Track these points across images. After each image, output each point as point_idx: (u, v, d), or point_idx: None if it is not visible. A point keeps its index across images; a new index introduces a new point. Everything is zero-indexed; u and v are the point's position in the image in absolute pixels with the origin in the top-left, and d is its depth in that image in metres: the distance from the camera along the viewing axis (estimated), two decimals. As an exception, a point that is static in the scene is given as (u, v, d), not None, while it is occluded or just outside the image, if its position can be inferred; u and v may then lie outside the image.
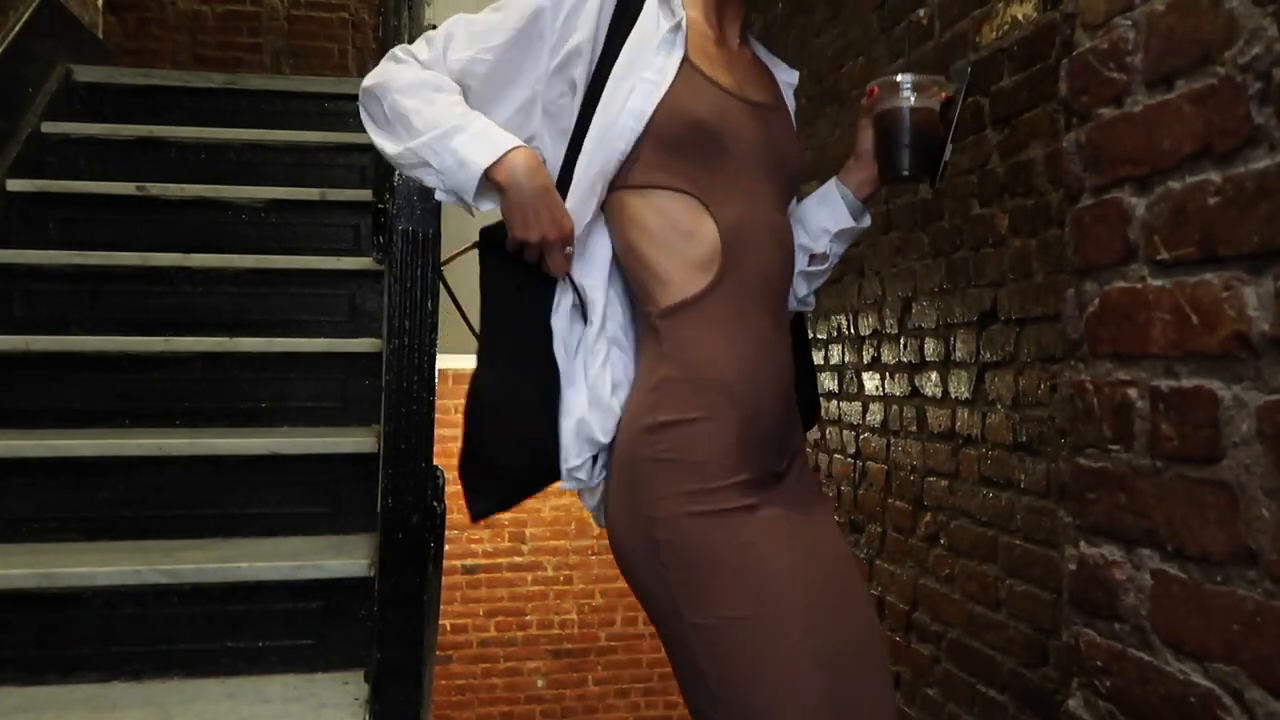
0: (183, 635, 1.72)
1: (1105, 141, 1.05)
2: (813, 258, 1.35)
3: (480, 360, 1.25)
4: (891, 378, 2.84)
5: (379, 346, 2.10)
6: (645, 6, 1.20)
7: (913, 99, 1.27)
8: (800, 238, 1.33)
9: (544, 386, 1.22)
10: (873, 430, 2.97)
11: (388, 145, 1.21)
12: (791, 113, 1.34)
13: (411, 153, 1.17)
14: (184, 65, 4.46)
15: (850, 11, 3.09)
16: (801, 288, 1.37)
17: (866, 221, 1.36)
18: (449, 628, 5.88)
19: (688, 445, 1.14)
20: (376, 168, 2.28)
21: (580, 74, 1.18)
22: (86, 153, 2.79)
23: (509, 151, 1.14)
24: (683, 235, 1.17)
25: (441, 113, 1.16)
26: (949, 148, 1.28)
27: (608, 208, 1.21)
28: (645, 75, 1.16)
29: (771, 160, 1.23)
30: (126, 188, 2.56)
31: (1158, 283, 0.96)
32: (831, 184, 1.36)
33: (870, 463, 2.99)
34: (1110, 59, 1.04)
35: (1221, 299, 0.88)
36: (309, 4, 4.71)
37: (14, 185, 2.50)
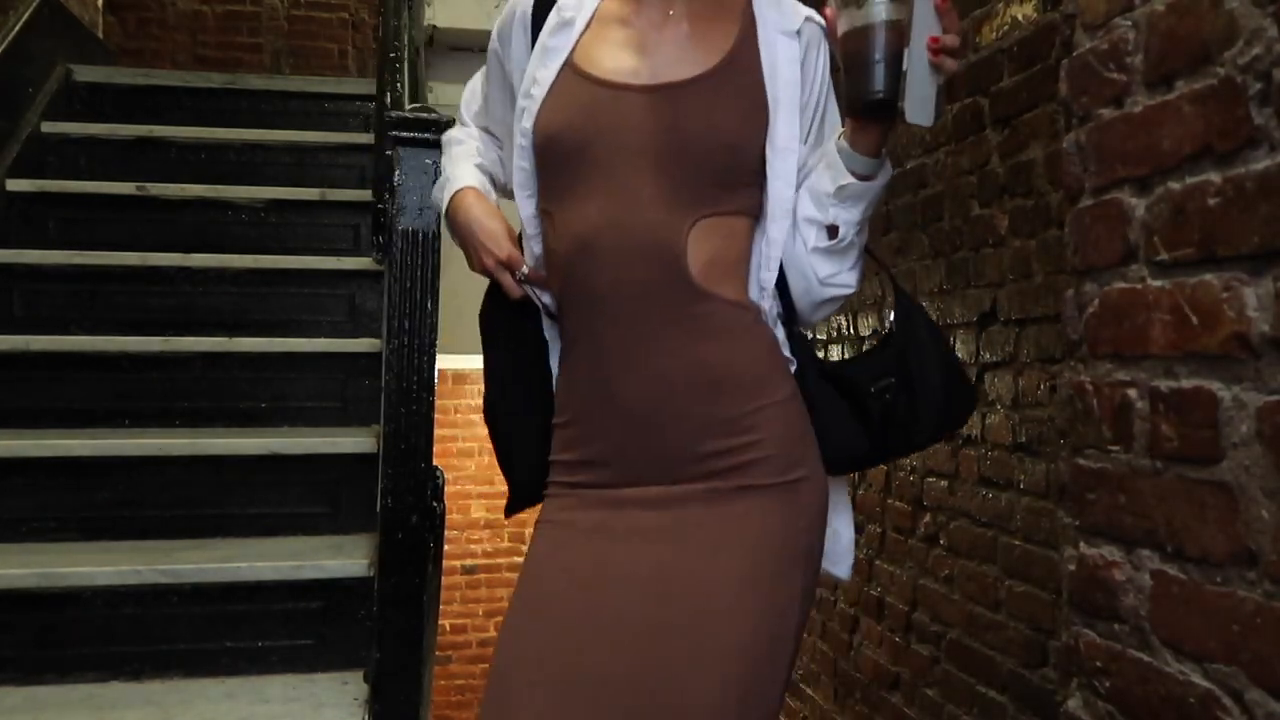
0: (182, 635, 1.72)
1: (1105, 142, 1.05)
2: (826, 230, 1.16)
3: (485, 384, 1.31)
4: (891, 378, 2.83)
5: (379, 347, 2.10)
6: (553, 8, 1.21)
7: (885, 11, 1.05)
8: (806, 209, 1.16)
9: (542, 400, 1.23)
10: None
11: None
12: (767, 70, 1.16)
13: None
14: (184, 65, 4.46)
15: (850, 12, 3.09)
16: (823, 267, 1.17)
17: (879, 179, 1.14)
18: (448, 628, 5.88)
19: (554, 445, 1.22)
20: (376, 168, 2.28)
21: (516, 87, 1.24)
22: (86, 153, 2.79)
23: (454, 194, 1.23)
24: (548, 254, 1.20)
25: (444, 164, 1.32)
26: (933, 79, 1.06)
27: None
28: (531, 91, 1.17)
29: (663, 148, 1.11)
30: (126, 188, 2.57)
31: (1157, 283, 0.96)
32: (832, 141, 1.17)
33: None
34: (1110, 59, 1.04)
35: (1221, 299, 0.88)
36: (309, 4, 4.71)
37: (14, 185, 2.50)
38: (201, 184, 2.63)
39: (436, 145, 1.69)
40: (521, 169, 1.19)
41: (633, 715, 1.05)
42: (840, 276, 1.19)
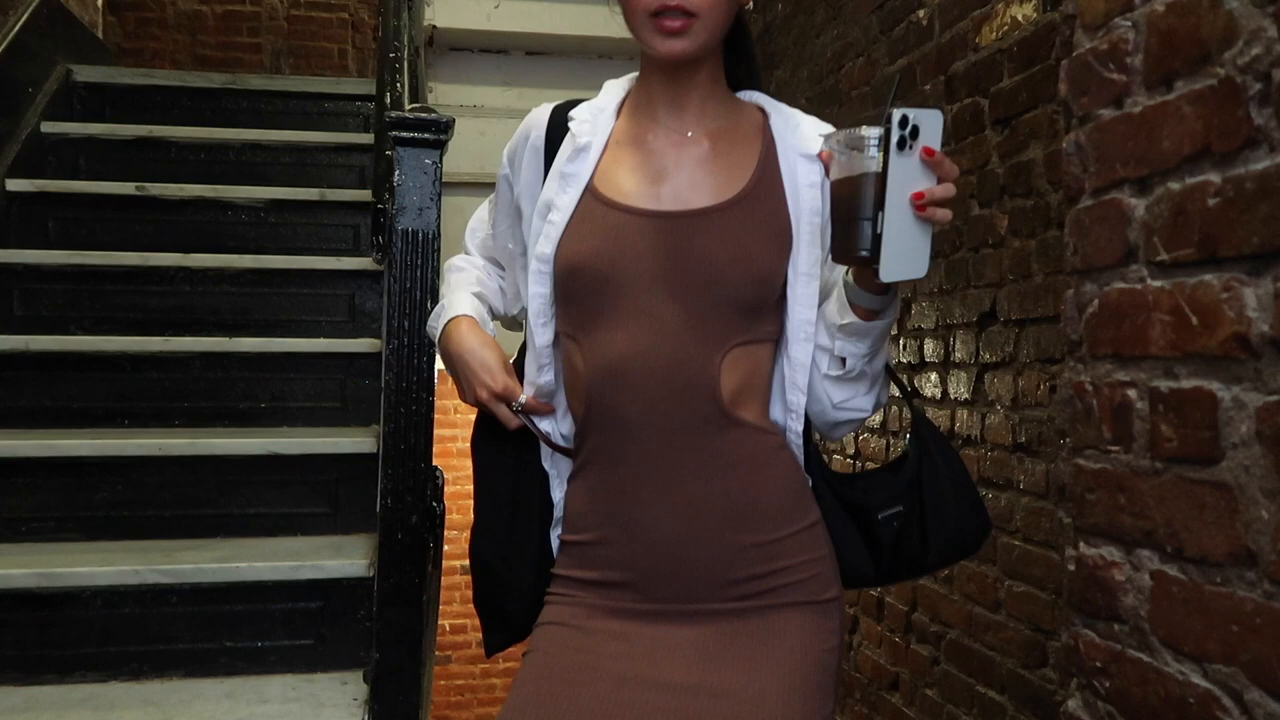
0: (182, 635, 1.72)
1: (1105, 142, 1.05)
2: (837, 360, 1.15)
3: (475, 515, 1.25)
4: (891, 378, 2.83)
5: (378, 347, 2.10)
6: (566, 135, 1.18)
7: (877, 164, 1.00)
8: (820, 337, 1.15)
9: (539, 531, 1.21)
10: (871, 431, 2.97)
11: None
12: (789, 195, 1.15)
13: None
14: (184, 65, 4.46)
15: (850, 12, 3.09)
16: (836, 393, 1.16)
17: (885, 316, 1.12)
18: (448, 628, 5.88)
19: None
20: (376, 168, 2.28)
21: (527, 214, 1.21)
22: (86, 153, 2.79)
23: (449, 322, 1.22)
24: (571, 377, 1.17)
25: (443, 291, 1.30)
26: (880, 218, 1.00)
27: None
28: (551, 218, 1.15)
29: (692, 277, 1.10)
30: (126, 188, 2.57)
31: (1157, 284, 0.96)
32: (840, 271, 1.16)
33: (869, 463, 2.99)
34: (1110, 60, 1.04)
35: (1221, 300, 0.88)
36: (309, 4, 4.71)
37: (14, 185, 2.50)
38: (201, 184, 2.63)
39: (436, 145, 1.69)
40: (539, 295, 1.15)
41: None
42: (854, 401, 1.18)
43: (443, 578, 2.12)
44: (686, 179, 1.15)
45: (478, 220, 1.34)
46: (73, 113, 2.94)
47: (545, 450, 1.19)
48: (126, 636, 1.70)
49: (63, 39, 3.07)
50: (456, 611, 5.94)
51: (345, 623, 1.76)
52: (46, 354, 2.10)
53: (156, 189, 2.57)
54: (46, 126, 2.76)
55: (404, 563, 1.61)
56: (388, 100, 2.14)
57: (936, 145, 1.00)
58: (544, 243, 1.14)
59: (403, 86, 2.17)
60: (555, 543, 1.20)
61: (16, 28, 2.74)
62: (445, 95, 3.24)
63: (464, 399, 1.21)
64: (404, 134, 1.68)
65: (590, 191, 1.14)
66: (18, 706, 1.57)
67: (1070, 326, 1.10)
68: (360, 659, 1.72)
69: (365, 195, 2.58)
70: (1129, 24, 1.01)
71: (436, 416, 1.66)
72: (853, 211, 1.01)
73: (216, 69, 4.12)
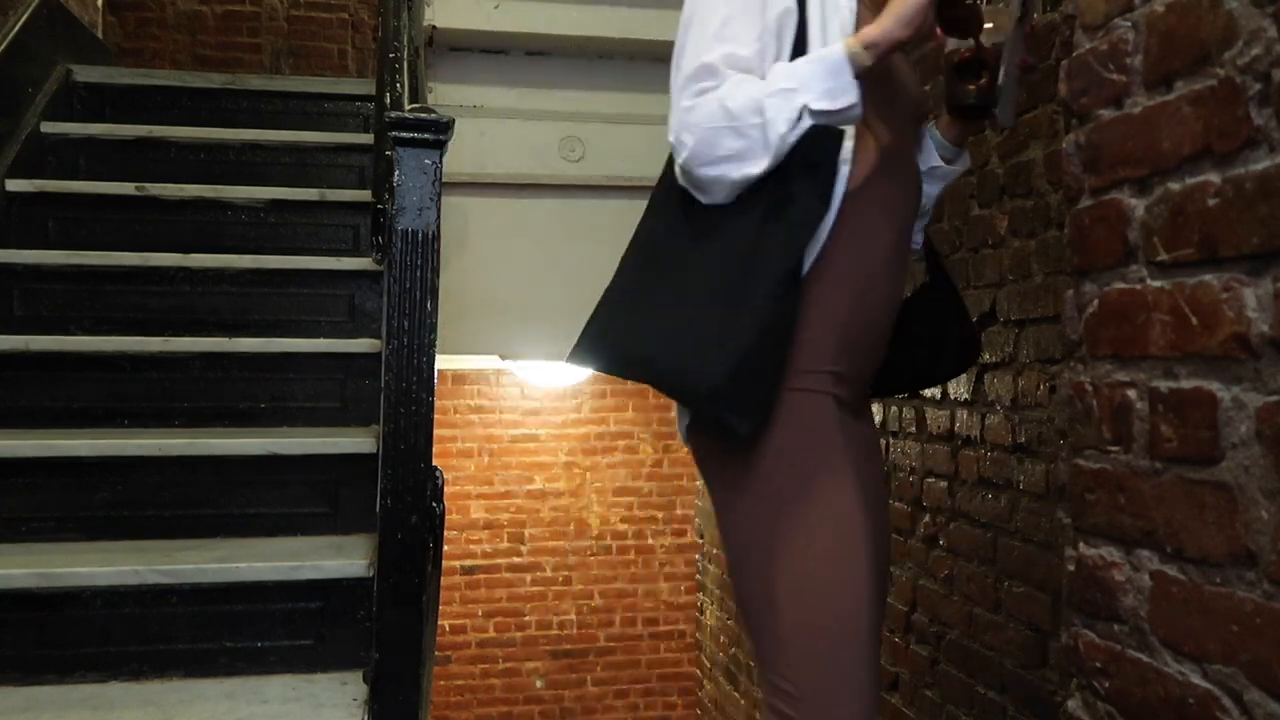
0: (182, 635, 1.71)
1: (1105, 143, 1.05)
2: None
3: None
4: (891, 379, 2.83)
5: (378, 347, 2.10)
6: None
7: (992, 36, 1.35)
8: None
9: None
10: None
11: (766, 154, 1.21)
12: (1013, 28, 1.39)
13: (784, 122, 1.19)
14: (184, 65, 4.46)
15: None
16: None
17: (961, 164, 1.48)
18: (448, 628, 5.88)
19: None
20: (376, 168, 2.28)
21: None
22: (86, 153, 2.79)
23: (846, 54, 1.20)
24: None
25: (761, 89, 1.21)
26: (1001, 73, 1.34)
27: None
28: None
29: (918, 100, 1.40)
30: (126, 188, 2.56)
31: (1157, 284, 0.96)
32: (928, 124, 1.47)
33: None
34: (1110, 60, 1.04)
35: (1221, 300, 0.88)
36: (309, 4, 4.71)
37: (13, 185, 2.50)
38: (201, 184, 2.63)
39: (436, 145, 1.69)
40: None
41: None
42: (915, 237, 1.48)
43: (443, 578, 2.12)
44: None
45: (709, 67, 1.23)
46: (73, 113, 2.94)
47: None
48: (126, 636, 1.70)
49: (63, 39, 3.07)
50: (456, 611, 5.94)
51: (345, 623, 1.75)
52: (46, 354, 2.10)
53: (156, 189, 2.57)
54: (46, 126, 2.76)
55: (404, 563, 1.61)
56: (387, 100, 2.14)
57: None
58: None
59: (402, 87, 2.17)
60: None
61: (16, 28, 2.74)
62: (445, 95, 3.23)
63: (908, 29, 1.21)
64: (404, 134, 1.67)
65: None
66: (17, 706, 1.57)
67: (1070, 326, 1.10)
68: (360, 659, 1.72)
69: (365, 195, 2.58)
70: (1129, 24, 1.01)
71: (436, 417, 1.66)
72: (982, 69, 1.34)
73: (216, 69, 4.11)
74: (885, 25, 1.18)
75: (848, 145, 1.24)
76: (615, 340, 1.30)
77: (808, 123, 1.17)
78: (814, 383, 1.25)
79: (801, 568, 1.22)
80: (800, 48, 1.24)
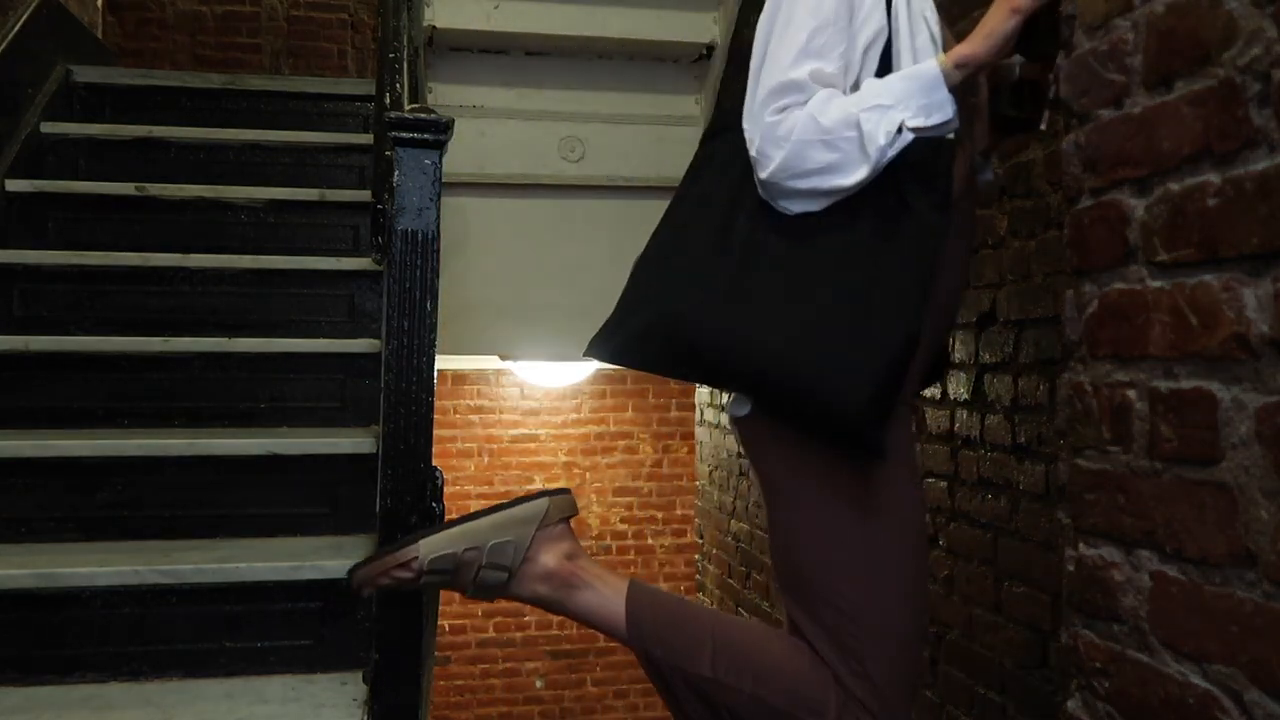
0: (181, 635, 1.71)
1: (1104, 143, 1.05)
2: None
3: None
4: (890, 379, 2.83)
5: (378, 347, 2.10)
6: None
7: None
8: None
9: None
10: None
11: (863, 166, 1.21)
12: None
13: (884, 135, 1.19)
14: (183, 65, 4.46)
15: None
16: None
17: (987, 174, 1.46)
18: (447, 628, 5.88)
19: None
20: (375, 168, 2.28)
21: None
22: (86, 153, 2.79)
23: (939, 71, 1.21)
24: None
25: (853, 104, 1.21)
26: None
27: None
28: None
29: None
30: (126, 188, 2.56)
31: (1157, 284, 0.96)
32: None
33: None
34: (1110, 60, 1.04)
35: (1220, 300, 0.88)
36: (308, 4, 4.72)
37: (13, 185, 2.50)
38: (201, 184, 2.63)
39: (436, 146, 1.69)
40: None
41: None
42: None
43: (442, 578, 2.12)
44: None
45: (794, 83, 1.24)
46: (72, 113, 2.94)
47: None
48: (126, 636, 1.69)
49: (62, 39, 3.07)
50: (456, 612, 5.94)
51: (345, 623, 1.75)
52: (46, 354, 2.10)
53: (156, 189, 2.57)
54: (46, 127, 2.76)
55: (403, 563, 1.60)
56: (387, 101, 2.14)
57: None
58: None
59: (402, 87, 2.17)
60: None
61: (16, 28, 2.74)
62: (445, 96, 3.24)
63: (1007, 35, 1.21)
64: (403, 134, 1.67)
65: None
66: (17, 706, 1.57)
67: (1070, 327, 1.10)
68: (360, 659, 1.72)
69: (365, 196, 2.58)
70: (1128, 24, 1.01)
71: (436, 417, 1.66)
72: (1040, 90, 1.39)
73: (216, 69, 4.12)
74: (976, 45, 1.21)
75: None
76: (705, 321, 1.25)
77: (908, 137, 1.19)
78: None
79: (880, 539, 1.29)
80: (887, 65, 1.26)
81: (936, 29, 1.29)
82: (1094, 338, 1.06)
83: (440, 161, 1.70)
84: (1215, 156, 0.89)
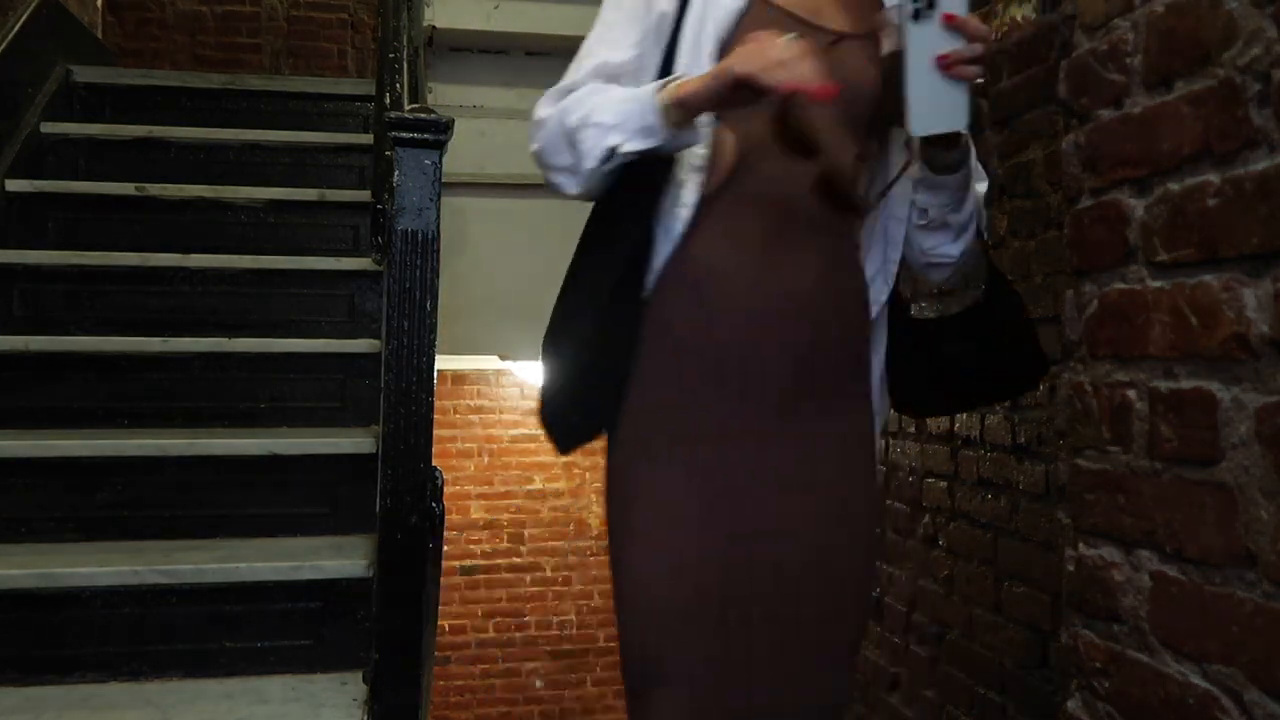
0: (181, 635, 1.71)
1: (1104, 143, 1.05)
2: (920, 210, 1.27)
3: None
4: (890, 379, 2.83)
5: (378, 347, 2.10)
6: None
7: (890, 43, 1.17)
8: (909, 191, 1.27)
9: None
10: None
11: (574, 183, 1.24)
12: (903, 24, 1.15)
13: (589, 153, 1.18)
14: (183, 65, 4.46)
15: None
16: (923, 240, 1.29)
17: (960, 171, 1.21)
18: (447, 629, 5.88)
19: None
20: (375, 168, 2.28)
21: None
22: (86, 153, 2.79)
23: (664, 98, 1.13)
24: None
25: (590, 111, 1.20)
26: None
27: None
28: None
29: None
30: (125, 188, 2.56)
31: (1157, 284, 0.96)
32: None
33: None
34: (1109, 60, 1.04)
35: (1220, 300, 0.88)
36: (308, 4, 4.71)
37: (13, 185, 2.50)
38: (201, 184, 2.63)
39: (436, 146, 1.69)
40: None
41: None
42: (941, 249, 1.30)
43: (442, 578, 2.12)
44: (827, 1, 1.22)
45: (586, 78, 1.25)
46: (72, 113, 2.94)
47: None
48: (126, 637, 1.70)
49: (62, 39, 3.07)
50: (456, 612, 5.94)
51: (345, 623, 1.75)
52: (46, 354, 2.10)
53: (156, 189, 2.57)
54: (46, 127, 2.76)
55: (403, 563, 1.60)
56: (387, 101, 2.14)
57: (958, 10, 1.08)
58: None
59: (402, 87, 2.17)
60: None
61: (16, 28, 2.74)
62: (445, 96, 3.24)
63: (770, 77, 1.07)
64: (403, 134, 1.67)
65: None
66: (17, 706, 1.57)
67: (1070, 327, 1.10)
68: (360, 659, 1.72)
69: (365, 195, 2.58)
70: (1128, 24, 1.01)
71: (436, 417, 1.66)
72: (893, 76, 1.14)
73: (216, 69, 4.11)
74: (696, 87, 1.10)
75: (700, 153, 1.20)
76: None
77: (620, 160, 1.16)
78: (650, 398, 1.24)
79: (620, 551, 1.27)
80: (671, 56, 1.21)
81: (730, 18, 1.19)
82: (1094, 338, 1.06)
83: (440, 161, 1.70)
84: (1215, 156, 0.89)
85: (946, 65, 1.07)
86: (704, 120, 1.15)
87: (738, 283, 1.20)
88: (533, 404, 6.05)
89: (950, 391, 1.40)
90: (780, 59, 1.03)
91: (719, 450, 1.20)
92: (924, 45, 1.08)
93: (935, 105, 1.10)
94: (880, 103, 1.21)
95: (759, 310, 1.20)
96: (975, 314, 1.35)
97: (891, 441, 2.85)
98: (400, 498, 1.60)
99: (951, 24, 1.07)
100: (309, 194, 2.66)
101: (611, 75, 1.23)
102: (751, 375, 1.20)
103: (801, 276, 1.21)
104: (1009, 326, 1.34)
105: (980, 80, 1.10)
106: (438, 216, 1.68)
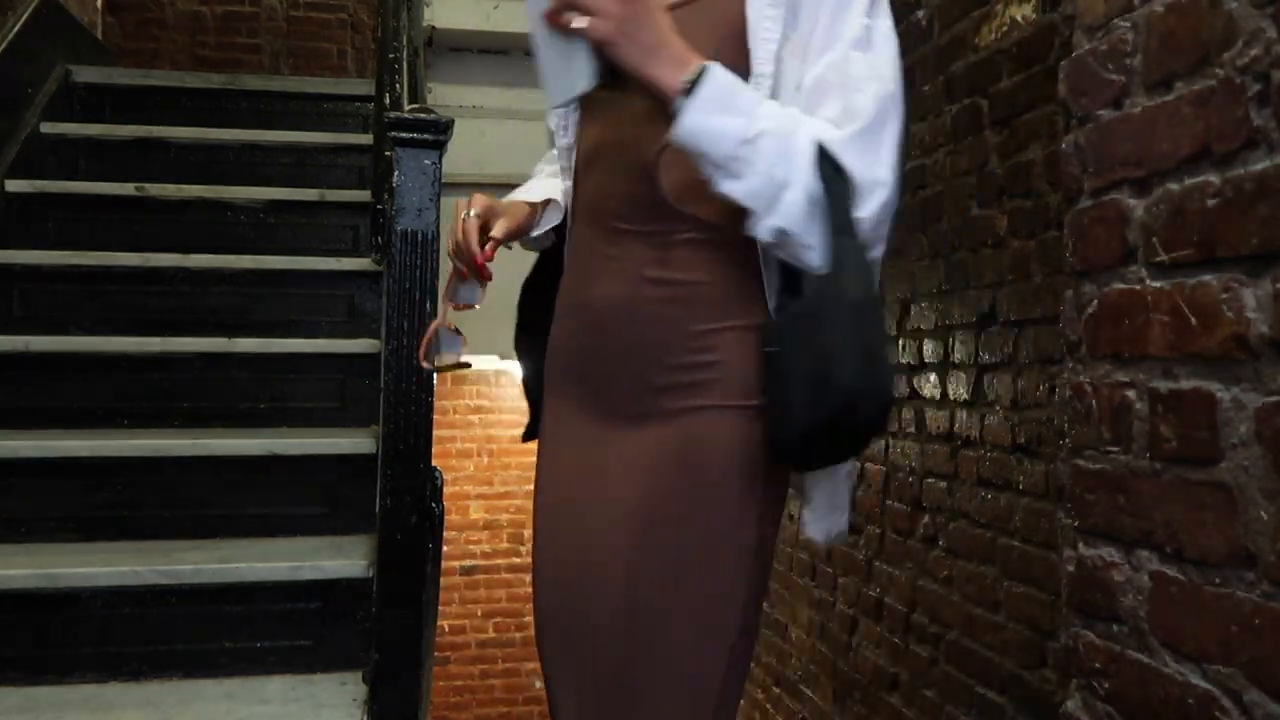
0: (181, 636, 1.71)
1: (1104, 143, 1.05)
2: None
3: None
4: (890, 379, 2.83)
5: (377, 347, 2.10)
6: None
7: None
8: None
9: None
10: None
11: None
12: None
13: None
14: (183, 66, 4.46)
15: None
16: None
17: (675, 131, 1.03)
18: (447, 629, 5.88)
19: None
20: (375, 168, 2.28)
21: None
22: (85, 153, 2.79)
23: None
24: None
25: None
26: None
27: None
28: None
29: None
30: (125, 188, 2.57)
31: (1156, 284, 0.96)
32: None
33: (868, 464, 2.99)
34: (1109, 61, 1.04)
35: (1220, 301, 0.88)
36: (308, 5, 4.71)
37: (13, 186, 2.50)
38: (201, 184, 2.63)
39: (436, 146, 1.69)
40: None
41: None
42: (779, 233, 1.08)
43: (442, 578, 2.12)
44: None
45: None
46: (72, 113, 2.94)
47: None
48: (126, 637, 1.70)
49: (62, 39, 3.07)
50: (456, 612, 5.94)
51: (344, 623, 1.75)
52: (46, 354, 2.10)
53: (156, 189, 2.57)
54: (46, 127, 2.76)
55: (403, 563, 1.61)
56: (387, 101, 2.14)
57: None
58: None
59: (402, 87, 2.17)
60: None
61: (16, 28, 2.74)
62: (445, 96, 3.24)
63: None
64: (403, 134, 1.68)
65: None
66: (17, 706, 1.57)
67: (1070, 327, 1.10)
68: (359, 659, 1.72)
69: (365, 196, 2.58)
70: (1128, 25, 1.01)
71: (436, 417, 1.66)
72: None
73: (216, 69, 4.11)
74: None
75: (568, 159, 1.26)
76: None
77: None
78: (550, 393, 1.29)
79: None
80: None
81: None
82: (1094, 338, 1.06)
83: (440, 161, 1.70)
84: (1215, 157, 0.89)
85: (555, 23, 0.99)
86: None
87: (565, 290, 1.26)
88: (533, 404, 6.05)
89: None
90: None
91: (551, 444, 1.27)
92: (537, 8, 1.00)
93: (562, 68, 1.01)
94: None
95: (574, 318, 1.23)
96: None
97: (891, 441, 2.85)
98: (400, 498, 1.60)
99: None
100: (309, 194, 2.66)
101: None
102: (572, 380, 1.23)
103: (610, 286, 1.15)
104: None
105: (582, 27, 0.97)
106: (438, 217, 1.68)
